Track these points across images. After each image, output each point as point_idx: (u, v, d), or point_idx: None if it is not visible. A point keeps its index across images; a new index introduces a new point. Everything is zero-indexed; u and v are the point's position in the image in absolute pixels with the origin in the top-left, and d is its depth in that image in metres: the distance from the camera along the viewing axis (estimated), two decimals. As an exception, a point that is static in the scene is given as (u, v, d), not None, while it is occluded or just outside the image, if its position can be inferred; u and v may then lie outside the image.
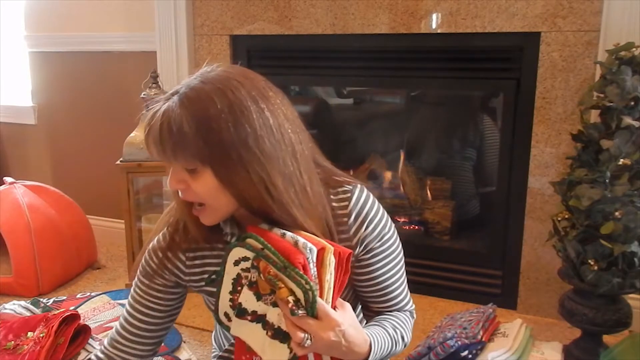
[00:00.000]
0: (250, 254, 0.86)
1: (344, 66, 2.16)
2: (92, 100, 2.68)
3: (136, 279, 1.07)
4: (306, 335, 0.82)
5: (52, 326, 1.58)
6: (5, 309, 1.86)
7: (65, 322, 1.61)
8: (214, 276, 0.92)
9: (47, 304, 1.97)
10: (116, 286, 2.24)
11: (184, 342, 1.82)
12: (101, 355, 1.10)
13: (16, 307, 1.87)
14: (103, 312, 1.98)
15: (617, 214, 1.45)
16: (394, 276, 1.03)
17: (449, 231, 2.31)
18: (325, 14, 2.08)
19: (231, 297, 0.89)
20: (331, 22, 2.08)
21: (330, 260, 0.84)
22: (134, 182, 2.19)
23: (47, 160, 2.89)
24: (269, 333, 0.86)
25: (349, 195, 0.98)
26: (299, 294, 0.81)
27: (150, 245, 1.05)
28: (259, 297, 0.86)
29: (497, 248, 2.08)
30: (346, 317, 0.87)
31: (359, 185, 1.00)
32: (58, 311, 1.73)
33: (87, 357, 1.61)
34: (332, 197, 0.98)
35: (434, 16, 1.95)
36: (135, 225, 2.22)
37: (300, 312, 0.81)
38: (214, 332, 1.19)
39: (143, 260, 1.05)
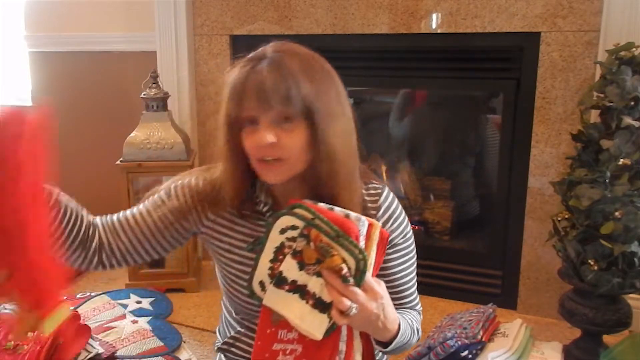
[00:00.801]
0: (299, 223, 0.86)
1: (344, 66, 2.12)
2: (92, 100, 2.68)
3: (156, 194, 1.07)
4: (352, 305, 0.82)
5: None
6: (6, 309, 1.86)
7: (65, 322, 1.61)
8: (255, 244, 0.91)
9: (47, 304, 1.97)
10: (116, 286, 2.24)
11: (184, 342, 1.82)
12: (98, 222, 1.12)
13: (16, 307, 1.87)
14: (103, 312, 1.98)
15: (617, 214, 1.45)
16: (409, 275, 1.07)
17: (449, 231, 2.31)
18: (325, 14, 2.08)
19: (271, 265, 0.89)
20: (331, 22, 2.08)
21: (376, 236, 0.87)
22: (134, 182, 2.19)
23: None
24: (310, 302, 0.85)
25: (379, 191, 1.04)
26: (351, 262, 0.82)
27: (185, 180, 1.06)
28: (301, 266, 0.86)
29: (497, 248, 2.08)
30: (384, 291, 0.89)
31: (386, 186, 1.06)
32: (58, 311, 1.73)
33: (88, 357, 1.61)
34: (364, 190, 1.03)
35: (434, 16, 1.95)
36: (135, 225, 2.22)
37: (351, 281, 0.82)
38: (219, 325, 1.20)
39: (172, 185, 1.06)
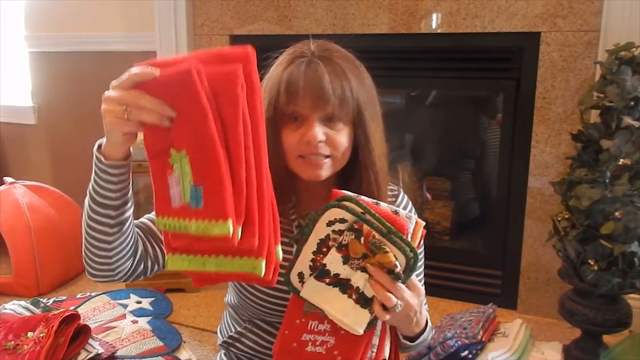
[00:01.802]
0: (349, 217, 0.83)
1: (344, 66, 2.16)
2: (92, 100, 2.66)
3: None
4: (398, 302, 0.82)
5: (52, 326, 1.58)
6: (5, 309, 1.86)
7: (65, 322, 1.61)
8: (300, 234, 0.88)
9: (47, 304, 1.97)
10: (116, 286, 2.24)
11: (184, 342, 1.82)
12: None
13: (16, 307, 1.87)
14: (103, 312, 1.98)
15: (617, 214, 1.45)
16: (419, 275, 1.10)
17: (449, 231, 2.31)
18: (325, 14, 2.08)
19: (313, 257, 0.86)
20: (331, 22, 2.08)
21: (419, 235, 0.86)
22: (134, 182, 2.18)
23: (47, 160, 2.89)
24: (353, 297, 0.84)
25: (396, 192, 1.09)
26: (402, 259, 0.81)
27: None
28: (346, 260, 0.84)
29: (497, 248, 2.08)
30: (423, 289, 0.90)
31: (401, 188, 1.10)
32: (58, 311, 1.73)
33: (88, 357, 1.61)
34: None
35: (434, 16, 1.95)
36: (135, 225, 2.22)
37: (402, 277, 0.82)
38: (220, 324, 1.20)
39: None
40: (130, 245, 0.91)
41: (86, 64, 2.63)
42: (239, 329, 1.11)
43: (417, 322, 0.91)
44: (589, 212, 1.49)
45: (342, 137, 0.94)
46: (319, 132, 0.92)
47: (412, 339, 0.96)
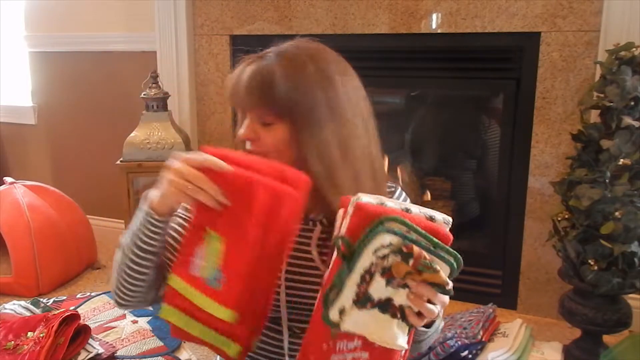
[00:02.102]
0: (396, 240, 0.76)
1: (344, 66, 2.16)
2: (92, 100, 2.68)
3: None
4: (438, 307, 0.80)
5: (52, 326, 1.58)
6: (5, 309, 1.86)
7: (65, 322, 1.62)
8: (346, 268, 0.80)
9: (47, 304, 1.97)
10: (116, 286, 2.24)
11: (184, 342, 1.82)
12: None
13: (16, 307, 1.87)
14: (103, 312, 1.98)
15: (617, 214, 1.45)
16: None
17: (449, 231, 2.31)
18: (325, 14, 2.08)
19: (357, 289, 0.79)
20: (331, 22, 2.08)
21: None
22: (134, 182, 2.19)
23: (47, 160, 2.89)
24: (395, 315, 0.79)
25: (393, 189, 1.06)
26: (446, 270, 0.77)
27: None
28: (389, 282, 0.78)
29: (497, 248, 2.08)
30: None
31: (399, 186, 1.08)
32: (58, 311, 1.73)
33: (88, 357, 1.61)
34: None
35: (434, 16, 1.95)
36: (135, 225, 2.22)
37: (451, 285, 0.77)
38: None
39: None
40: (161, 275, 0.98)
41: (86, 64, 2.63)
42: None
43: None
44: (589, 212, 1.49)
45: (269, 138, 0.93)
46: (244, 129, 0.94)
47: (428, 326, 0.92)
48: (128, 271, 0.93)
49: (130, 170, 2.14)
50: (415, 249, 0.76)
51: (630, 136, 1.44)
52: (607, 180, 1.47)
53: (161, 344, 1.77)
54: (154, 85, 2.18)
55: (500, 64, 1.96)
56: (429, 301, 0.78)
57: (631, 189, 1.45)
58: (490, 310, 1.71)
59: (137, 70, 2.39)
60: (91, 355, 1.62)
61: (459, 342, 1.52)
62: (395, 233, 0.76)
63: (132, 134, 2.16)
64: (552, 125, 1.87)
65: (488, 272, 2.09)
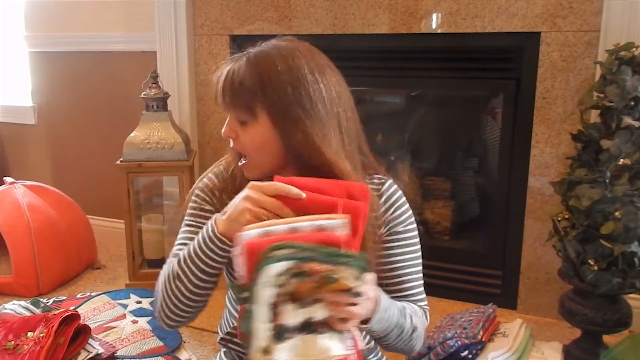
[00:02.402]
0: (286, 265, 0.76)
1: (344, 66, 2.14)
2: (92, 100, 2.68)
3: (186, 216, 1.11)
4: (358, 307, 0.80)
5: (52, 326, 1.58)
6: (5, 309, 1.86)
7: (65, 322, 1.62)
8: (246, 316, 0.80)
9: (47, 304, 1.97)
10: (116, 286, 2.24)
11: (184, 342, 1.82)
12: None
13: (16, 307, 1.87)
14: (103, 312, 1.98)
15: (617, 214, 1.45)
16: (411, 267, 1.06)
17: (449, 231, 2.31)
18: (325, 14, 2.08)
19: (268, 325, 0.78)
20: (331, 22, 2.08)
21: (359, 216, 0.84)
22: (134, 182, 2.19)
23: (47, 160, 2.89)
24: (323, 330, 0.80)
25: (383, 181, 1.06)
26: (353, 273, 0.77)
27: (200, 183, 1.11)
28: (299, 305, 0.78)
29: (497, 248, 2.08)
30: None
31: (391, 179, 1.08)
32: (58, 311, 1.73)
33: (88, 357, 1.61)
34: (367, 180, 1.03)
35: (434, 16, 1.95)
36: (135, 225, 2.22)
37: (361, 288, 0.78)
38: (220, 321, 1.21)
39: (193, 196, 1.10)
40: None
41: (86, 64, 2.63)
42: (230, 329, 1.11)
43: (374, 301, 0.88)
44: (589, 212, 1.49)
45: (247, 137, 0.97)
46: (225, 128, 0.99)
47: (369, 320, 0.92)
48: (188, 294, 0.96)
49: (130, 170, 2.14)
50: (307, 266, 0.76)
51: (630, 136, 1.44)
52: (607, 180, 1.47)
53: (161, 344, 1.78)
54: (154, 85, 2.18)
55: (500, 64, 1.96)
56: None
57: (631, 189, 1.45)
58: (490, 310, 1.71)
59: (137, 70, 2.39)
60: (91, 355, 1.62)
61: (459, 342, 1.52)
62: (283, 259, 0.75)
63: (132, 134, 2.16)
64: (552, 125, 1.87)
65: (488, 272, 2.09)
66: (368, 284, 0.83)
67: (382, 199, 1.03)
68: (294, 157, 0.96)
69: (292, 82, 0.94)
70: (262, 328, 0.78)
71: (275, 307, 0.78)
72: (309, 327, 0.79)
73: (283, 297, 0.77)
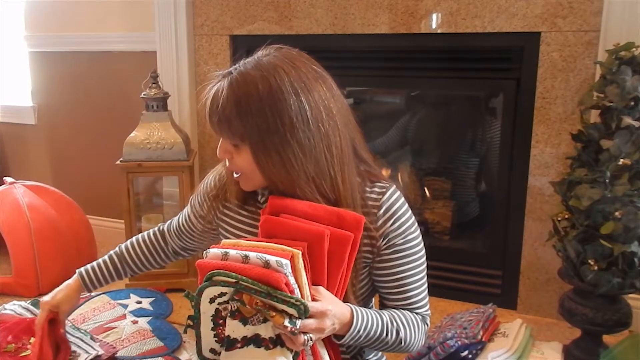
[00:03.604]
0: (226, 290, 0.87)
1: (344, 66, 2.15)
2: (92, 100, 2.68)
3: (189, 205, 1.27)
4: (307, 336, 0.85)
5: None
6: (6, 309, 1.86)
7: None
8: (190, 322, 0.94)
9: (47, 304, 1.97)
10: (116, 286, 2.23)
11: (184, 342, 1.82)
12: (165, 229, 1.38)
13: (16, 307, 1.87)
14: (103, 312, 1.98)
15: (617, 214, 1.45)
16: (412, 277, 1.06)
17: (449, 231, 2.31)
18: (325, 14, 2.08)
19: (215, 332, 0.91)
20: (331, 22, 2.08)
21: (301, 264, 0.87)
22: (134, 182, 2.19)
23: (47, 160, 2.89)
24: (268, 345, 0.87)
25: (384, 190, 1.03)
26: (292, 311, 0.83)
27: (204, 181, 1.21)
28: (245, 322, 0.87)
29: (497, 248, 2.08)
30: (327, 299, 0.91)
31: (394, 186, 1.06)
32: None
33: (88, 358, 1.61)
34: (367, 189, 1.03)
35: (434, 16, 1.95)
36: (135, 225, 2.22)
37: (298, 325, 0.83)
38: None
39: (198, 190, 1.23)
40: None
41: (86, 64, 2.63)
42: None
43: (339, 324, 0.92)
44: (589, 212, 1.49)
45: (239, 159, 0.99)
46: (219, 149, 1.01)
47: (343, 336, 0.96)
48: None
49: (130, 170, 2.14)
50: (245, 295, 0.85)
51: (630, 136, 1.44)
52: (607, 180, 1.47)
53: (161, 344, 1.77)
54: (154, 85, 2.18)
55: (500, 64, 1.96)
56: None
57: (631, 189, 1.45)
58: (490, 310, 1.71)
59: (137, 70, 2.39)
60: (91, 355, 1.61)
61: (459, 342, 1.52)
62: (222, 285, 0.86)
63: (132, 134, 2.16)
64: (552, 125, 1.87)
65: (488, 272, 2.10)
66: (319, 315, 0.87)
67: (381, 210, 1.01)
68: (271, 180, 0.98)
69: (272, 106, 0.92)
70: (206, 333, 0.91)
71: (219, 320, 0.89)
72: (258, 341, 0.87)
73: (227, 312, 0.87)
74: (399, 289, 1.06)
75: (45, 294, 2.16)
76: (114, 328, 1.85)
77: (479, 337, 1.57)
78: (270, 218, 0.94)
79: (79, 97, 2.71)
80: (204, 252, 0.90)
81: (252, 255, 0.86)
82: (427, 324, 1.11)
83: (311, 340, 0.85)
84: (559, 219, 1.60)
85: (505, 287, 2.06)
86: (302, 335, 0.84)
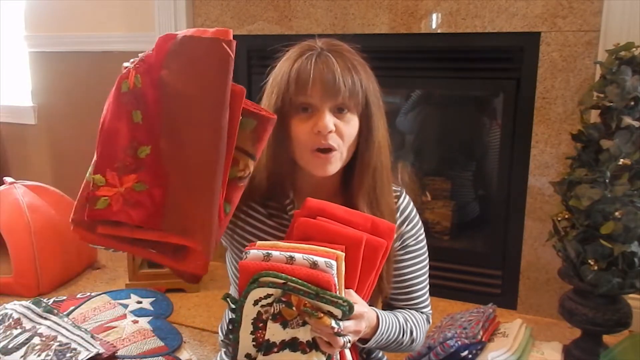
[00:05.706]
0: (273, 291, 0.84)
1: (344, 66, 2.16)
2: (92, 100, 2.68)
3: None
4: (346, 338, 0.84)
5: None
6: (6, 308, 1.86)
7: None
8: (231, 326, 0.90)
9: (48, 304, 1.97)
10: (116, 286, 2.24)
11: (184, 342, 1.82)
12: None
13: (17, 307, 1.87)
14: (103, 312, 1.98)
15: (617, 214, 1.45)
16: (419, 277, 1.09)
17: (449, 231, 2.31)
18: (325, 14, 2.08)
19: (253, 336, 0.88)
20: (331, 22, 2.08)
21: (342, 268, 0.86)
22: (134, 182, 2.18)
23: (47, 160, 2.89)
24: (307, 350, 0.86)
25: (398, 194, 1.07)
26: (337, 312, 0.83)
27: None
28: (285, 325, 0.85)
29: (497, 248, 2.08)
30: (359, 302, 0.90)
31: (403, 188, 1.10)
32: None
33: (88, 357, 1.61)
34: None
35: (434, 16, 1.95)
36: (136, 225, 2.22)
37: (341, 326, 0.83)
38: (220, 323, 1.21)
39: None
40: None
41: (86, 64, 2.63)
42: None
43: (369, 326, 0.93)
44: (589, 212, 1.49)
45: (351, 129, 0.95)
46: (330, 121, 0.93)
47: (368, 340, 0.97)
48: None
49: (131, 170, 2.14)
50: (294, 297, 0.83)
51: (630, 136, 1.44)
52: (607, 180, 1.47)
53: (162, 344, 1.77)
54: (154, 85, 2.18)
55: (500, 64, 1.96)
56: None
57: (631, 189, 1.45)
58: (490, 310, 1.71)
59: (137, 70, 2.39)
60: (91, 354, 1.62)
61: (459, 342, 1.52)
62: (269, 286, 0.83)
63: (132, 134, 2.16)
64: (552, 125, 1.87)
65: (488, 272, 2.10)
66: (356, 317, 0.86)
67: (398, 213, 1.05)
68: (364, 153, 0.99)
69: (375, 79, 1.02)
70: (245, 337, 0.88)
71: (260, 323, 0.87)
72: (295, 345, 0.86)
73: (268, 315, 0.86)
74: (408, 289, 1.08)
75: (45, 294, 2.19)
76: (115, 327, 1.85)
77: (479, 337, 1.57)
78: (308, 220, 0.92)
79: (79, 97, 2.71)
80: (243, 253, 0.87)
81: (298, 256, 0.84)
82: (429, 322, 1.13)
83: (349, 342, 0.85)
84: (559, 219, 1.60)
85: (505, 287, 2.06)
86: (341, 337, 0.84)
